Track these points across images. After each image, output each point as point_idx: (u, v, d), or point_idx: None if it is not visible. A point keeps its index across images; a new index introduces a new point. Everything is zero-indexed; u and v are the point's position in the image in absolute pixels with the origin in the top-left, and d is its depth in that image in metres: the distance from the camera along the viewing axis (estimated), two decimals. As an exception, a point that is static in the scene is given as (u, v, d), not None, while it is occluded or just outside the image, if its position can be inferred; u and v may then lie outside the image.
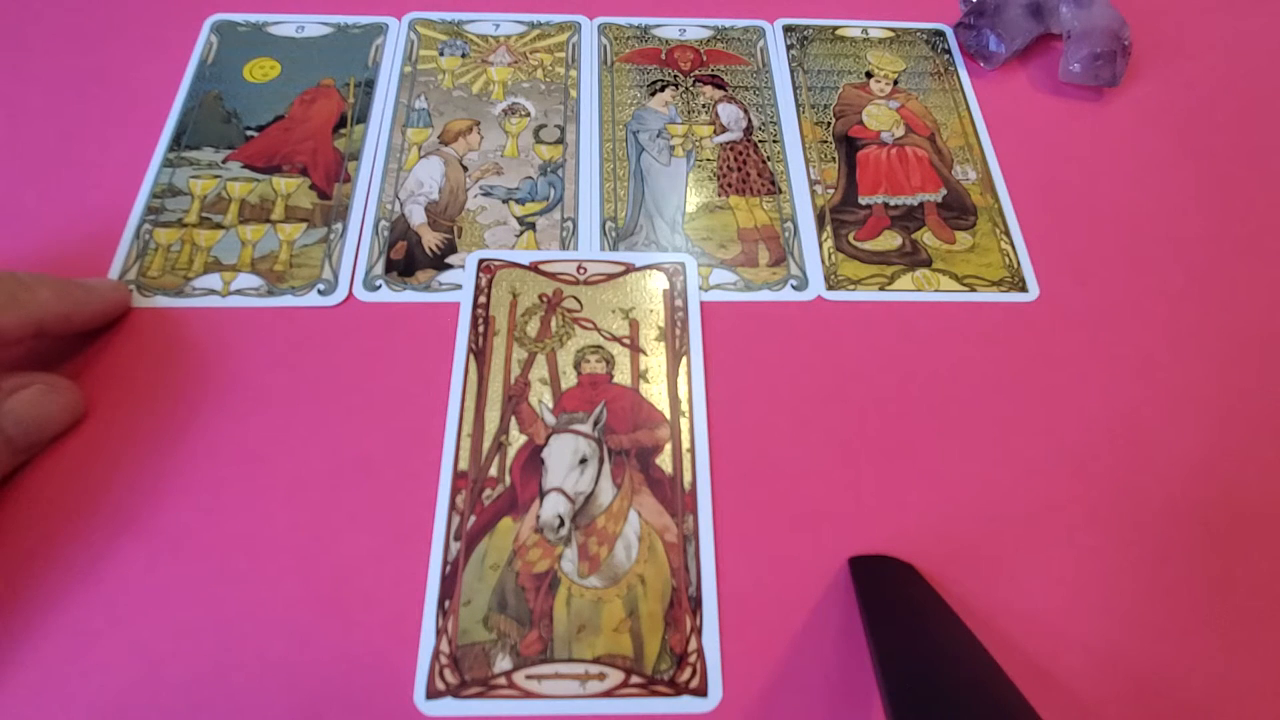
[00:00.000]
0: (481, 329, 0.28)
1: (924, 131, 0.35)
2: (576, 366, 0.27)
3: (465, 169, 0.32)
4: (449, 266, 0.29)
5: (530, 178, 0.32)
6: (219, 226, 0.30)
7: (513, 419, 0.26)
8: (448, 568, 0.24)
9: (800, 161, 0.33)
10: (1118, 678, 0.23)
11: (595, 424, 0.26)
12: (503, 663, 0.22)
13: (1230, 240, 0.32)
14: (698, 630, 0.23)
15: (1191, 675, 0.23)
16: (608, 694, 0.22)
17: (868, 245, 0.31)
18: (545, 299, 0.29)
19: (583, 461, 0.25)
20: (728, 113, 0.35)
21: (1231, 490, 0.26)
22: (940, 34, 0.38)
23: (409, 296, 0.29)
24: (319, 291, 0.29)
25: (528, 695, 0.22)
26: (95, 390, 0.26)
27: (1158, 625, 0.24)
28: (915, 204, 0.32)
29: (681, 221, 0.31)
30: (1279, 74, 0.38)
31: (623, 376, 0.27)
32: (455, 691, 0.22)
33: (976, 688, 0.19)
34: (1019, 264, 0.31)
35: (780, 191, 0.32)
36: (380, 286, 0.29)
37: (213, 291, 0.28)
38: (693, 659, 0.23)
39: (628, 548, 0.24)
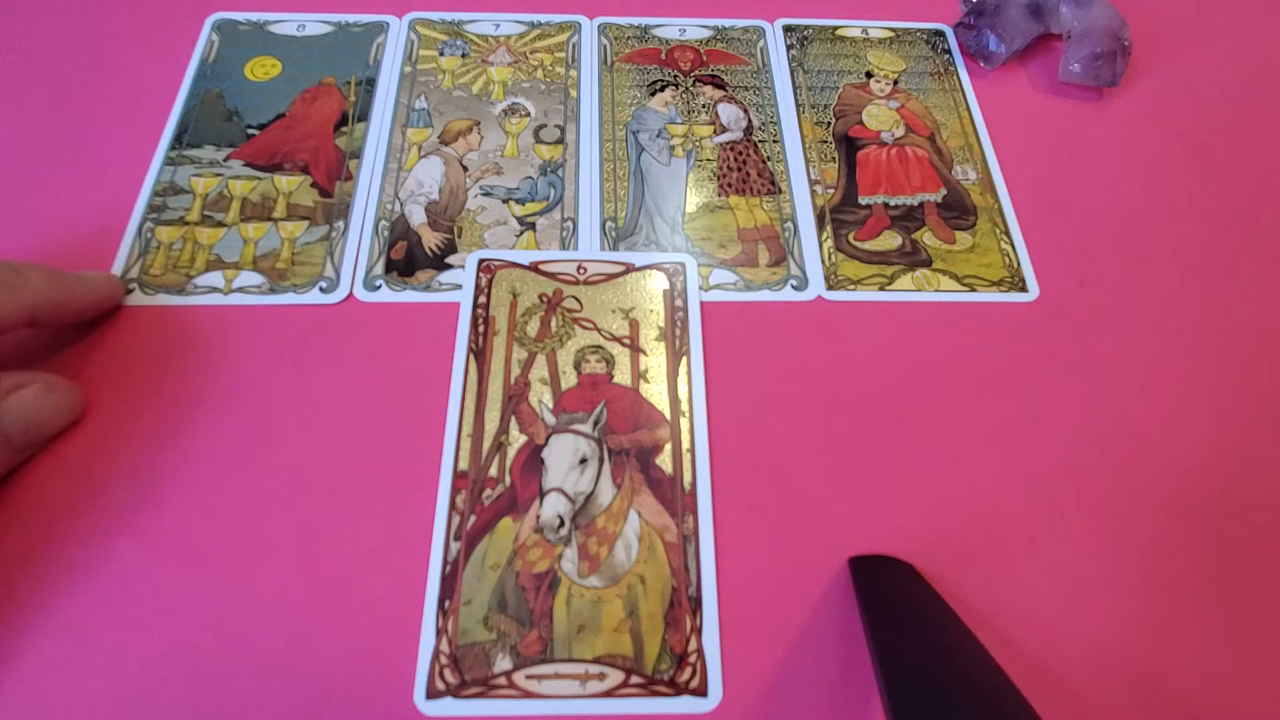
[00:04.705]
0: (481, 329, 0.28)
1: (924, 131, 0.35)
2: (576, 366, 0.27)
3: (465, 169, 0.32)
4: (449, 266, 0.29)
5: (530, 178, 0.32)
6: (221, 224, 0.30)
7: (513, 419, 0.26)
8: (448, 568, 0.24)
9: (800, 161, 0.33)
10: (1118, 677, 0.23)
11: (595, 424, 0.26)
12: (503, 663, 0.22)
13: (1230, 240, 0.32)
14: (698, 630, 0.23)
15: (1191, 675, 0.23)
16: (608, 694, 0.22)
17: (868, 245, 0.31)
18: (545, 299, 0.29)
19: (583, 461, 0.25)
20: (728, 113, 0.35)
21: (1231, 490, 0.26)
22: (940, 34, 0.38)
23: (409, 296, 0.29)
24: (321, 289, 0.29)
25: (528, 695, 0.22)
26: (95, 389, 0.26)
27: (1157, 624, 0.24)
28: (915, 204, 0.32)
29: (681, 221, 0.31)
30: (1279, 74, 0.38)
31: (623, 376, 0.27)
32: (455, 691, 0.22)
33: (976, 687, 0.19)
34: (1019, 264, 0.31)
35: (780, 191, 0.32)
36: (380, 286, 0.29)
37: (215, 289, 0.28)
38: (693, 659, 0.23)
39: (628, 548, 0.24)
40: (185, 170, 0.31)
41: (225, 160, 0.32)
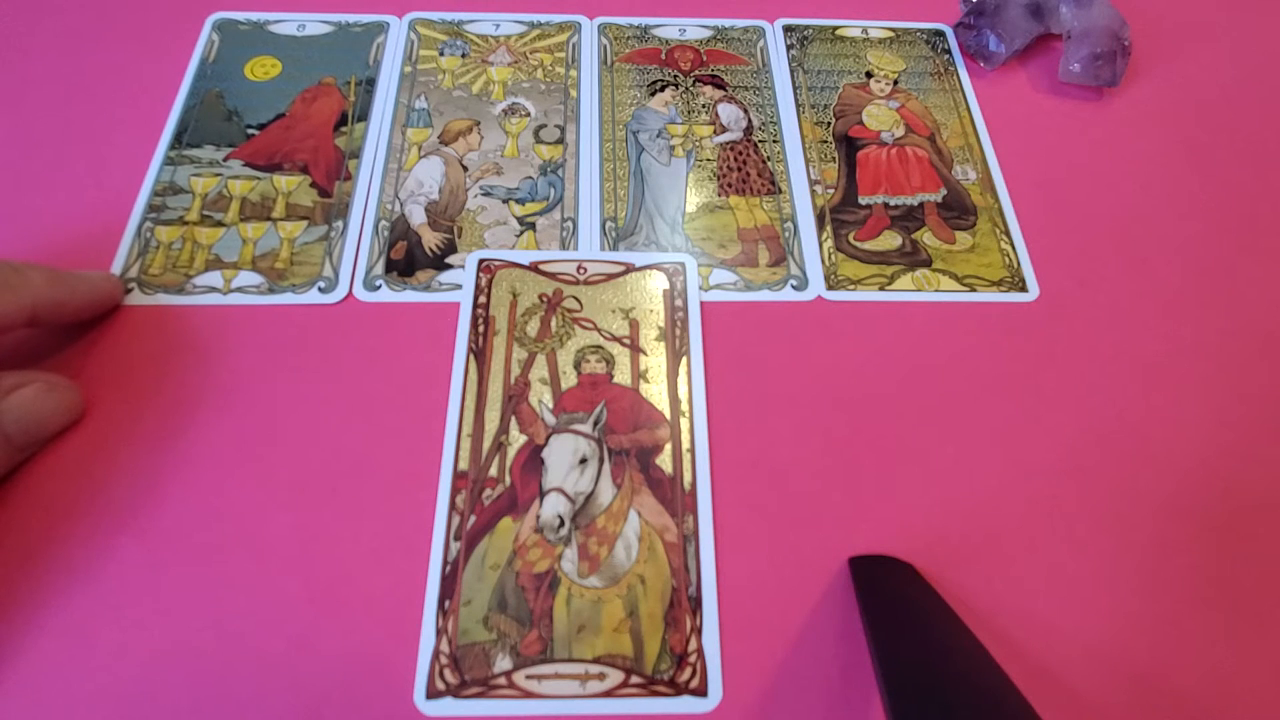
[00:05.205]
0: (481, 329, 0.28)
1: (924, 131, 0.35)
2: (576, 366, 0.27)
3: (465, 169, 0.32)
4: (449, 266, 0.29)
5: (530, 178, 0.32)
6: (220, 224, 0.30)
7: (513, 419, 0.26)
8: (448, 568, 0.24)
9: (800, 161, 0.33)
10: (1118, 677, 0.23)
11: (595, 424, 0.26)
12: (503, 663, 0.22)
13: (1230, 240, 0.32)
14: (698, 630, 0.23)
15: (1191, 674, 0.23)
16: (608, 694, 0.22)
17: (868, 245, 0.31)
18: (545, 299, 0.29)
19: (583, 461, 0.25)
20: (728, 113, 0.35)
21: (1231, 489, 0.26)
22: (940, 34, 0.38)
23: (409, 296, 0.29)
24: (319, 289, 0.29)
25: (528, 695, 0.22)
26: (95, 389, 0.26)
27: (1157, 624, 0.24)
28: (915, 204, 0.32)
29: (681, 221, 0.31)
30: (1279, 74, 0.38)
31: (623, 376, 0.27)
32: (455, 691, 0.22)
33: (976, 687, 0.19)
34: (1019, 264, 0.31)
35: (780, 191, 0.32)
36: (380, 286, 0.29)
37: (214, 289, 0.28)
38: (693, 659, 0.23)
39: (628, 548, 0.24)
40: (185, 170, 0.31)
41: (225, 160, 0.32)
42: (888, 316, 0.29)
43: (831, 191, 0.33)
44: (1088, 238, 0.32)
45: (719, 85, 0.36)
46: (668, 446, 0.26)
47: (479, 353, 0.27)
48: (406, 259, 0.30)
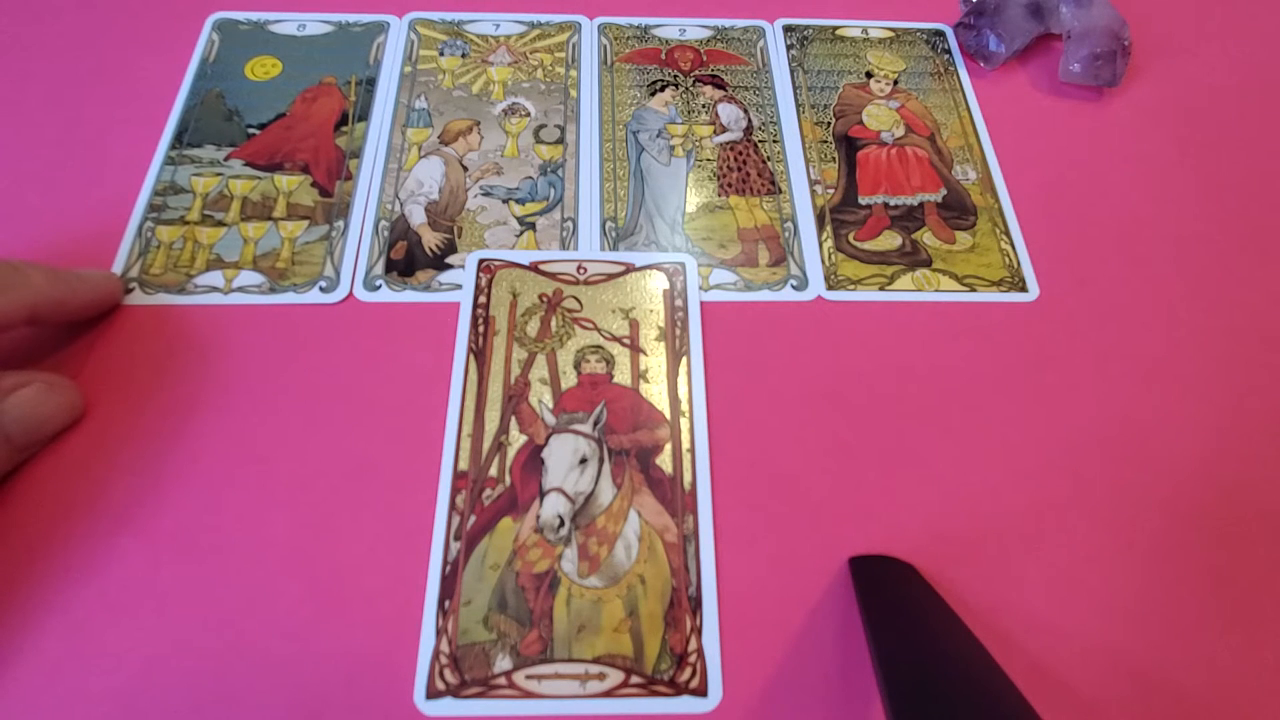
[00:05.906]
0: (481, 329, 0.28)
1: (924, 131, 0.35)
2: (576, 366, 0.27)
3: (465, 169, 0.32)
4: (449, 266, 0.29)
5: (530, 178, 0.32)
6: (221, 224, 0.30)
7: (513, 419, 0.26)
8: (448, 568, 0.24)
9: (800, 161, 0.33)
10: (1118, 677, 0.23)
11: (595, 424, 0.26)
12: (503, 663, 0.22)
13: (1230, 240, 0.32)
14: (698, 630, 0.23)
15: (1191, 674, 0.23)
16: (608, 694, 0.22)
17: (868, 245, 0.31)
18: (545, 299, 0.29)
19: (583, 461, 0.25)
20: (728, 113, 0.35)
21: (1231, 489, 0.26)
22: (940, 34, 0.38)
23: (409, 296, 0.29)
24: (320, 289, 0.29)
25: (528, 695, 0.22)
26: (96, 388, 0.26)
27: (1158, 624, 0.24)
28: (915, 204, 0.32)
29: (681, 221, 0.31)
30: (1279, 74, 0.38)
31: (623, 376, 0.27)
32: (455, 691, 0.22)
33: (976, 688, 0.19)
34: (1019, 264, 0.31)
35: (780, 191, 0.32)
36: (380, 286, 0.29)
37: (215, 289, 0.28)
38: (693, 659, 0.23)
39: (628, 548, 0.24)
40: (185, 170, 0.31)
41: (225, 160, 0.32)
42: (888, 316, 0.29)
43: (831, 191, 0.33)
44: (1088, 238, 0.32)
45: (719, 85, 0.36)
46: (668, 446, 0.26)
47: (479, 353, 0.27)
48: (406, 259, 0.30)
